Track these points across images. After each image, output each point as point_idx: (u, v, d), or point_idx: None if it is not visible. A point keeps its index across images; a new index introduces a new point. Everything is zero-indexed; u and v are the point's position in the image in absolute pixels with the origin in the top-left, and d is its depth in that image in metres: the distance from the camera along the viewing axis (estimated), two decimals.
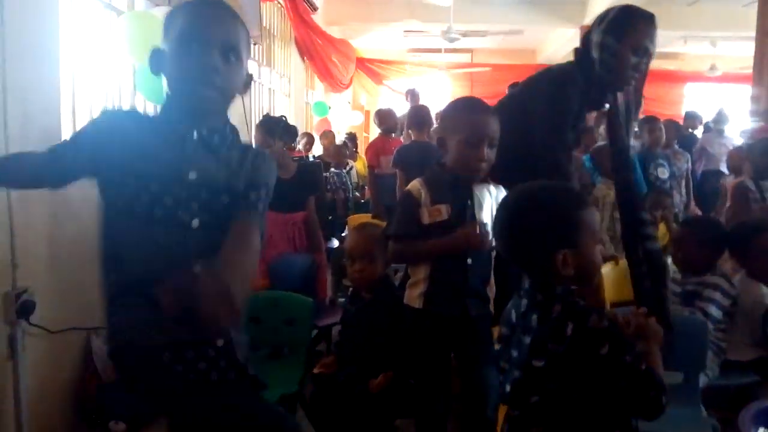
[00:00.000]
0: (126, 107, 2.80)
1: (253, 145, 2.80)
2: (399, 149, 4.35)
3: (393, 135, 5.18)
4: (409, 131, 4.58)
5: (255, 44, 4.82)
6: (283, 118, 3.47)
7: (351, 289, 2.14)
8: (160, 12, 2.89)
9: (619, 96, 2.11)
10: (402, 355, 1.86)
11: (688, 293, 2.42)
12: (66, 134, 2.40)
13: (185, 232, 1.21)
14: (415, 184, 1.81)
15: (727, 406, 2.28)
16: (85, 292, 2.38)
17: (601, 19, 2.04)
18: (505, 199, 1.31)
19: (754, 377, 2.30)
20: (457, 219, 1.74)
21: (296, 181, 3.17)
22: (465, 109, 1.84)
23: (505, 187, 1.80)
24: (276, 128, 3.21)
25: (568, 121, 2.04)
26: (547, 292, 1.18)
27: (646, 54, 2.01)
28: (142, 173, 1.20)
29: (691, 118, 6.99)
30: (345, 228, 4.86)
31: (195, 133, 1.24)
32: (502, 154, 1.81)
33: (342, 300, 3.46)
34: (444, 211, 1.75)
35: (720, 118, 6.45)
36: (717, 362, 2.28)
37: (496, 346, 1.32)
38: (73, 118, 2.51)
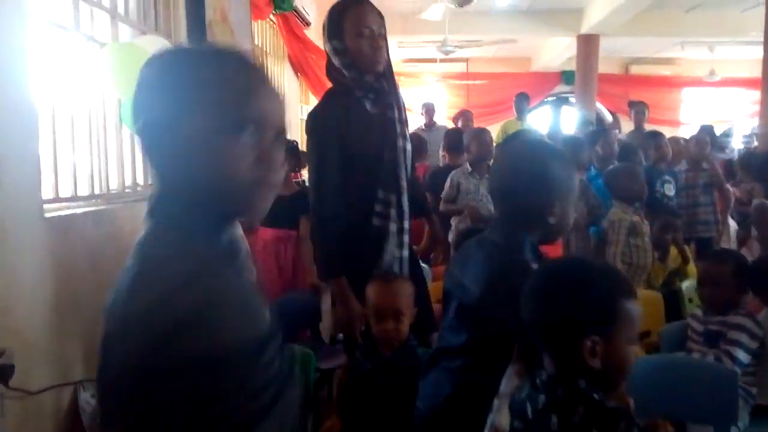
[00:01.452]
0: None
1: None
2: (432, 173, 4.22)
3: None
4: (444, 153, 4.52)
5: None
6: (294, 143, 3.45)
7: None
8: (146, 42, 2.75)
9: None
10: None
11: (711, 333, 2.28)
12: (46, 175, 2.25)
13: None
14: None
15: None
16: (67, 346, 2.24)
17: (323, 31, 2.07)
18: (543, 268, 1.17)
19: None
20: None
21: (292, 199, 3.16)
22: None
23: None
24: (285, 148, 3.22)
25: (329, 158, 2.04)
26: (569, 386, 1.04)
27: (372, 33, 2.01)
28: None
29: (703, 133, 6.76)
30: None
31: None
32: None
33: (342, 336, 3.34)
34: None
35: (728, 134, 6.32)
36: (747, 409, 2.14)
37: None
38: (54, 159, 2.36)
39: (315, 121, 2.09)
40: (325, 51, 2.11)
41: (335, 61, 2.06)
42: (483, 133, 3.92)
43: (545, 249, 2.51)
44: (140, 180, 3.09)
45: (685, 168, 4.45)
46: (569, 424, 1.00)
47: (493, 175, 1.57)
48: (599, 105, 9.91)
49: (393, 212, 2.11)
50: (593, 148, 4.24)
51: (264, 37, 5.79)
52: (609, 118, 10.83)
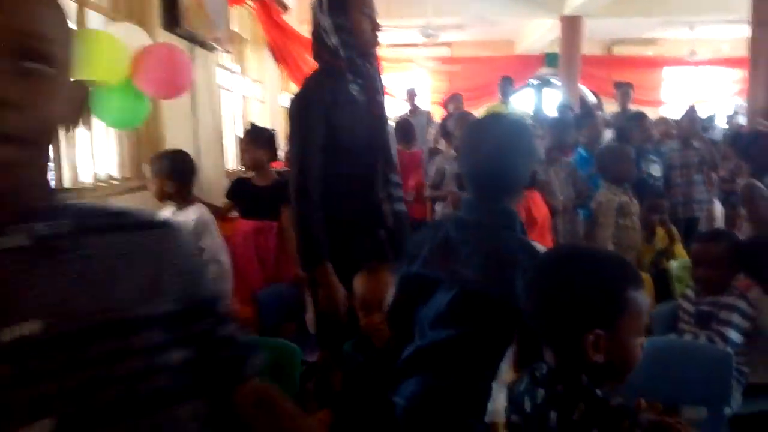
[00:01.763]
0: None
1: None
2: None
3: None
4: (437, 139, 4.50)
5: (225, 52, 4.56)
6: (273, 132, 3.33)
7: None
8: (117, 29, 2.65)
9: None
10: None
11: (703, 314, 2.26)
12: None
13: None
14: None
15: (751, 430, 2.14)
16: None
17: (320, 5, 1.98)
18: (544, 256, 1.11)
19: None
20: None
21: (272, 189, 3.07)
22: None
23: None
24: (261, 137, 3.16)
25: (314, 145, 1.96)
26: (571, 382, 0.99)
27: (373, 15, 1.99)
28: None
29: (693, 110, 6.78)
30: None
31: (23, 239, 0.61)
32: None
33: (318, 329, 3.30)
34: None
35: (712, 118, 6.29)
36: (739, 389, 2.12)
37: None
38: None
39: (302, 104, 2.01)
40: (316, 29, 2.01)
41: (331, 39, 1.96)
42: (468, 117, 3.86)
43: (534, 237, 2.47)
44: (115, 173, 3.00)
45: (678, 147, 4.39)
46: (569, 420, 0.95)
47: (468, 154, 1.48)
48: (583, 87, 9.89)
49: (401, 194, 2.15)
50: (580, 131, 4.20)
51: (242, 23, 5.66)
52: (593, 99, 10.84)
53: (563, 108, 6.33)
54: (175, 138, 3.25)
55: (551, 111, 6.77)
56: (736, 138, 4.33)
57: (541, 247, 1.43)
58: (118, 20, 2.93)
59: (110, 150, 2.98)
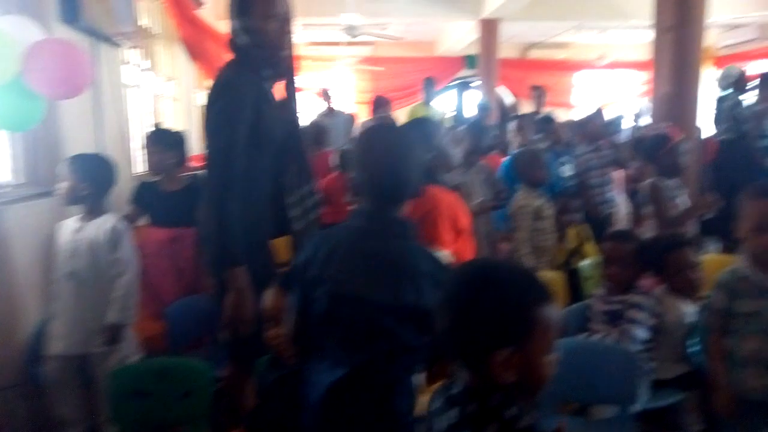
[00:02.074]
0: None
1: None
2: None
3: None
4: None
5: (132, 48, 4.32)
6: (181, 133, 3.15)
7: None
8: (8, 23, 2.42)
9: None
10: None
11: (613, 313, 2.34)
12: None
13: None
14: None
15: (657, 423, 2.24)
16: None
17: (230, 6, 1.98)
18: (455, 273, 1.09)
19: (680, 395, 2.25)
20: None
21: (184, 192, 2.91)
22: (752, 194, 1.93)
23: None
24: (166, 138, 3.01)
25: (240, 136, 1.88)
26: (483, 401, 0.97)
27: (280, 18, 1.96)
28: None
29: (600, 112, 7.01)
30: None
31: None
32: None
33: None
34: None
35: (617, 122, 6.55)
36: (646, 385, 2.20)
37: None
38: None
39: (227, 91, 1.90)
40: (229, 27, 1.98)
41: (243, 38, 1.95)
42: (384, 122, 3.85)
43: (459, 245, 2.45)
44: (9, 179, 2.76)
45: (591, 149, 4.47)
46: None
47: (361, 163, 1.46)
48: (502, 88, 10.17)
49: (316, 199, 2.14)
50: (509, 133, 4.26)
51: (153, 18, 5.39)
52: (511, 100, 11.16)
53: (483, 107, 6.44)
54: (76, 140, 3.03)
55: (472, 112, 6.89)
56: (639, 141, 4.54)
57: (442, 255, 1.45)
58: (10, 12, 2.68)
59: (2, 154, 2.73)
